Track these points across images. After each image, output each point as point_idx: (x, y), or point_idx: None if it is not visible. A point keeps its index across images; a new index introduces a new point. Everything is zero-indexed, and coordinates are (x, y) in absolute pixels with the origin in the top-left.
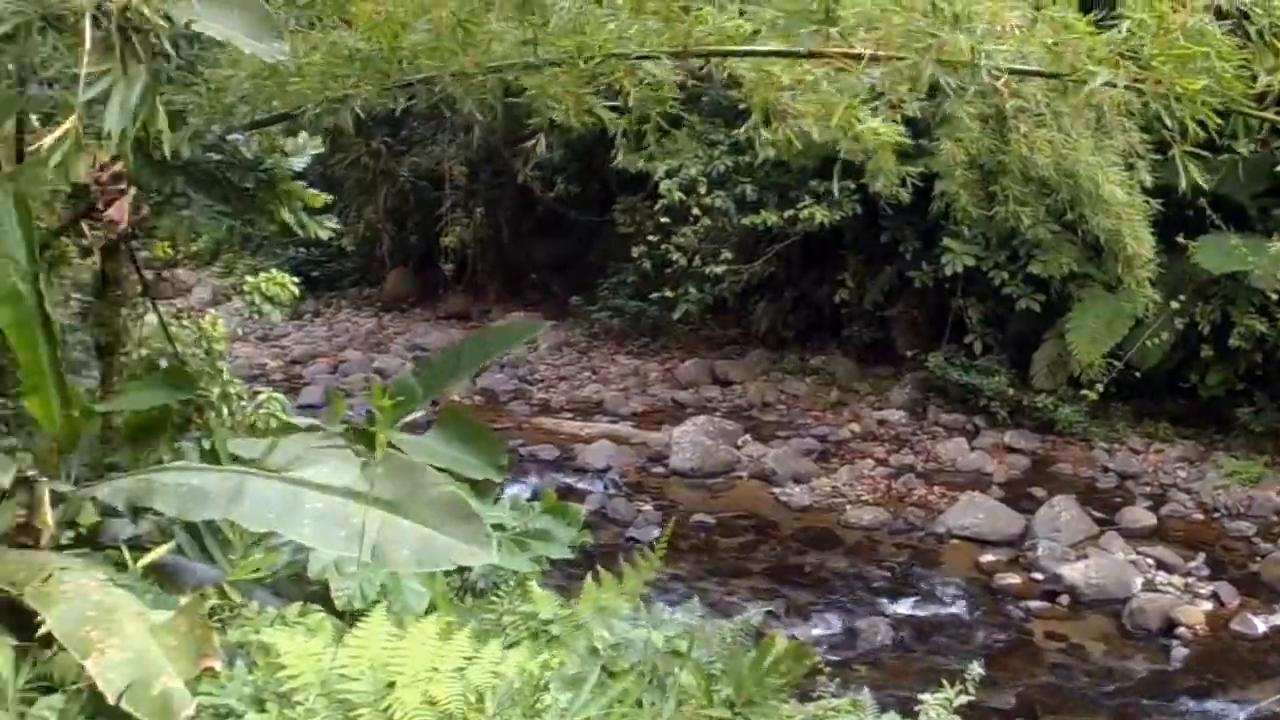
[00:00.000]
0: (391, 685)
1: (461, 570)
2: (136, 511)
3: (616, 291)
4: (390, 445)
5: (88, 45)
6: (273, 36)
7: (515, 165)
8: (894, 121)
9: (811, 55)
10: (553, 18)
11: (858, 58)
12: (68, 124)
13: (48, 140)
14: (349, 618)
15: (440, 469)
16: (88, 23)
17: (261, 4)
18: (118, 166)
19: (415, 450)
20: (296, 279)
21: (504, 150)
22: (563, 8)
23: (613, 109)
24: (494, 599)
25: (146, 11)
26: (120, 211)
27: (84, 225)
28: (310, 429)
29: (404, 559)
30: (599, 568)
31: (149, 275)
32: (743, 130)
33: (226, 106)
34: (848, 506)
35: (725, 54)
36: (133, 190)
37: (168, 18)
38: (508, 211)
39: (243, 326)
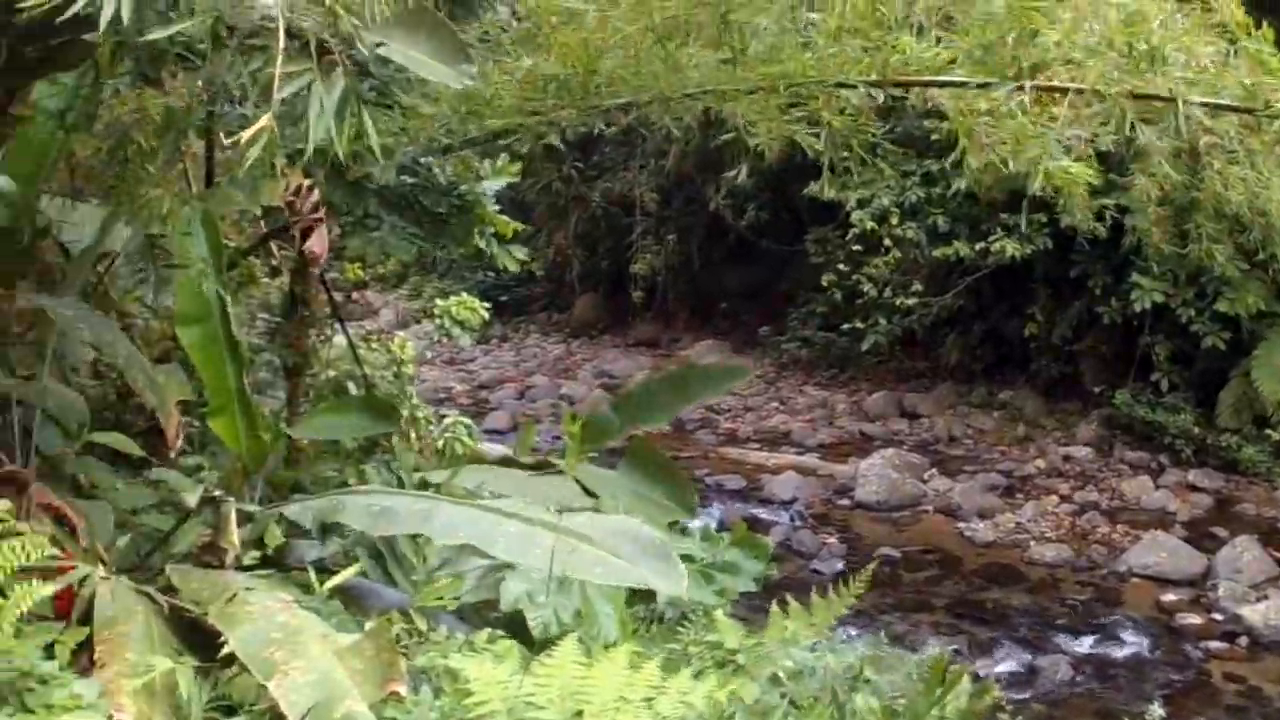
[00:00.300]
0: (579, 714)
1: (648, 601)
2: (324, 530)
3: (806, 322)
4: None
5: (280, 45)
6: (460, 60)
7: (707, 192)
8: (1088, 156)
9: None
10: (751, 44)
11: (1055, 90)
12: (262, 122)
13: (244, 135)
14: (537, 646)
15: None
16: (280, 29)
17: (451, 29)
18: (315, 195)
19: (604, 486)
20: (486, 303)
21: (696, 177)
22: (762, 34)
23: (811, 136)
24: (680, 629)
25: (339, 10)
26: (321, 242)
27: (273, 245)
28: (503, 461)
29: (595, 575)
30: (788, 598)
31: (338, 297)
32: (948, 160)
33: (429, 133)
34: (1031, 543)
35: (923, 84)
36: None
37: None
38: (699, 239)
39: (430, 350)
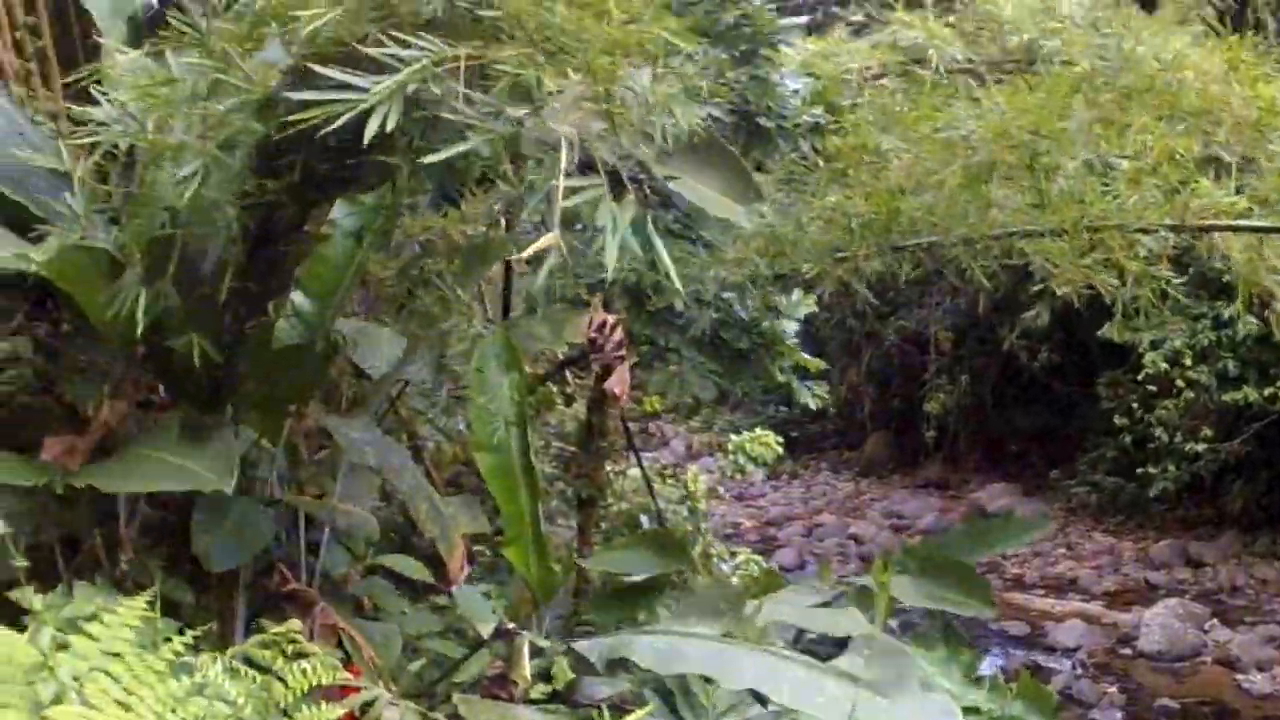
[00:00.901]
0: None
1: None
2: (611, 665)
3: (1095, 465)
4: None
5: (563, 160)
6: (751, 198)
7: (1001, 332)
8: None
9: None
10: (1055, 186)
11: None
12: (547, 239)
13: (528, 252)
14: None
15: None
16: (564, 145)
17: (742, 164)
18: (619, 334)
19: (899, 590)
20: (778, 438)
21: (991, 316)
22: (1066, 176)
23: (1108, 280)
24: None
25: (630, 138)
26: (622, 383)
27: (568, 372)
28: (800, 586)
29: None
30: None
31: (632, 427)
32: (1231, 309)
33: (731, 270)
34: None
35: (1220, 229)
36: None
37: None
38: (991, 379)
39: (721, 484)
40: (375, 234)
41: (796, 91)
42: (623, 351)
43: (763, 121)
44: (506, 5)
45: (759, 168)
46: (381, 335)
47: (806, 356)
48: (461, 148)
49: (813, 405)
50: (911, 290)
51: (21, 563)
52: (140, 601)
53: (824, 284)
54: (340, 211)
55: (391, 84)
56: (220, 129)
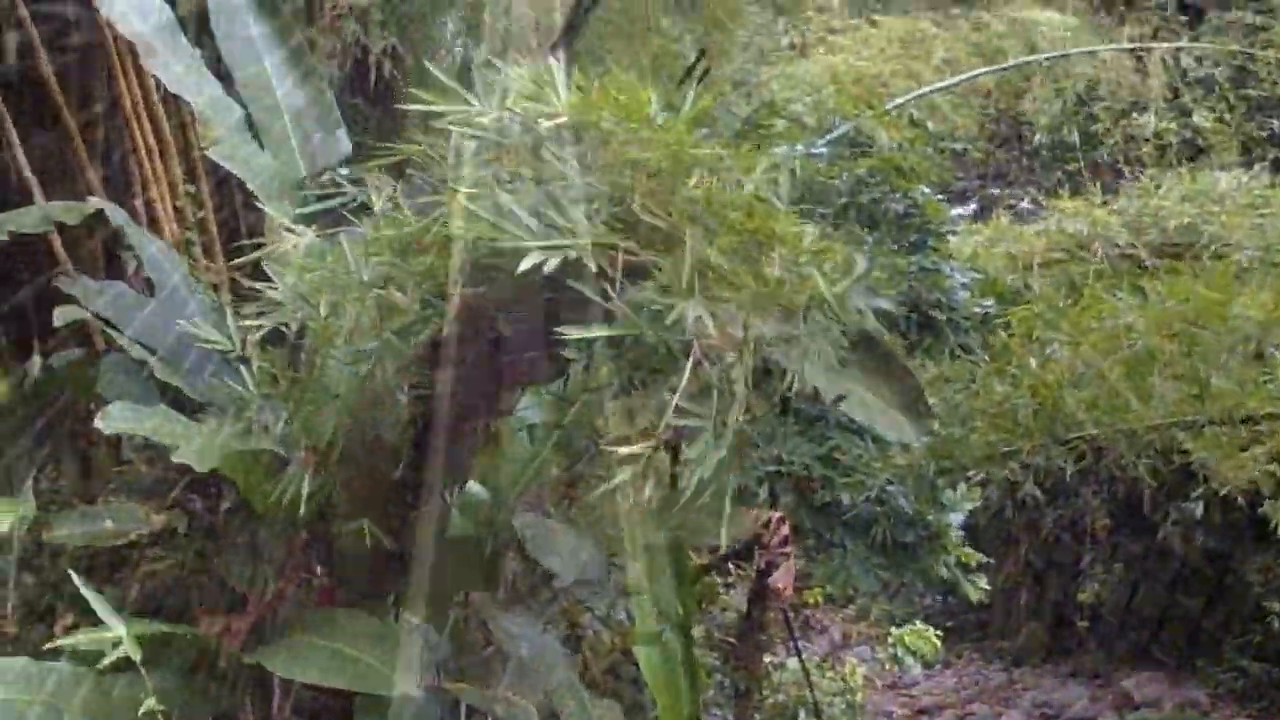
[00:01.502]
0: None
1: None
2: None
3: (1242, 651)
4: None
5: (684, 383)
6: (921, 412)
7: (1155, 519)
8: None
9: None
10: (1213, 376)
11: None
12: (637, 447)
13: (625, 449)
14: None
15: None
16: (689, 365)
17: (912, 376)
18: (785, 529)
19: None
20: (938, 632)
21: (1148, 504)
22: (1225, 366)
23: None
24: None
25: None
26: (787, 580)
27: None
28: None
29: None
30: None
31: (791, 616)
32: None
33: (895, 463)
34: None
35: None
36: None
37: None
38: (1144, 567)
39: (878, 675)
40: (551, 428)
41: (965, 284)
42: (788, 548)
43: (934, 314)
44: (675, 208)
45: (915, 347)
46: (555, 530)
47: (969, 551)
48: (608, 332)
49: (976, 599)
50: (1069, 479)
51: None
52: None
53: (991, 484)
54: (525, 404)
55: (549, 243)
56: (395, 318)
